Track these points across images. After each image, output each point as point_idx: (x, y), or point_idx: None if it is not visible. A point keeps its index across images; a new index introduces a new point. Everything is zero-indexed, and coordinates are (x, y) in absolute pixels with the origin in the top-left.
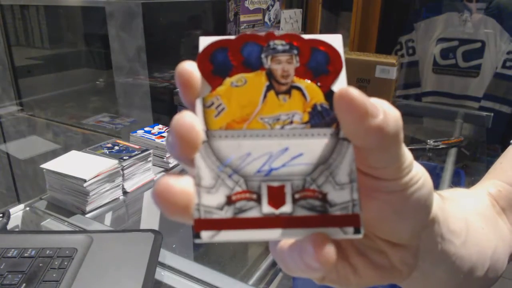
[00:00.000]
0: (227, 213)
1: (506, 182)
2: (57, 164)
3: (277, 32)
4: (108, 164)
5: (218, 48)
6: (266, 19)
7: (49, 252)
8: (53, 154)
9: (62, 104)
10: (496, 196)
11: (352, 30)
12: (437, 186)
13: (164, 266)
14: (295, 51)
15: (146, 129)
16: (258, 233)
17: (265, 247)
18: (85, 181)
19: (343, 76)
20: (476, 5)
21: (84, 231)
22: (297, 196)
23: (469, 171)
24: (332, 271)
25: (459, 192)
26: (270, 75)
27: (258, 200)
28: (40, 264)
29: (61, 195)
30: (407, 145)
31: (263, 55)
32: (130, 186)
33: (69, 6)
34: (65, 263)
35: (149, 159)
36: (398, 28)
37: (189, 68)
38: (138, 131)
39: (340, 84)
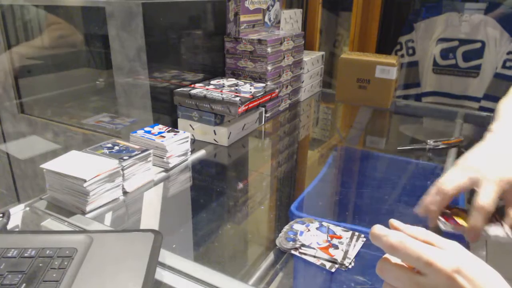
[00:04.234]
0: None
1: None
2: (57, 164)
3: None
4: (108, 164)
5: None
6: (266, 19)
7: (49, 252)
8: (53, 154)
9: (62, 104)
10: None
11: (352, 30)
12: None
13: (164, 266)
14: None
15: (146, 129)
16: None
17: (265, 247)
18: (85, 181)
19: None
20: (476, 5)
21: (84, 231)
22: None
23: None
24: None
25: None
26: None
27: None
28: (40, 264)
29: (61, 195)
30: (407, 145)
31: None
32: (130, 186)
33: (69, 6)
34: (65, 263)
35: (149, 159)
36: (398, 28)
37: None
38: (138, 131)
39: None
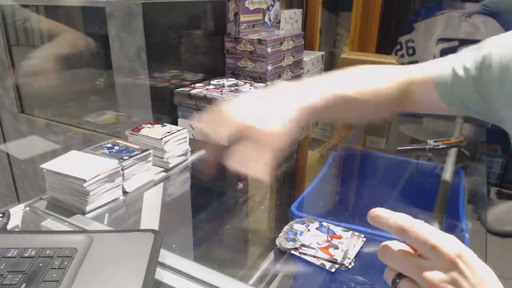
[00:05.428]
0: None
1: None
2: (57, 164)
3: None
4: (108, 164)
5: None
6: (266, 19)
7: (49, 252)
8: (53, 154)
9: (62, 104)
10: None
11: (352, 30)
12: (437, 186)
13: (164, 266)
14: None
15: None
16: None
17: (265, 247)
18: (85, 181)
19: None
20: (476, 5)
21: (84, 231)
22: None
23: (469, 171)
24: None
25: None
26: None
27: None
28: (40, 264)
29: (61, 195)
30: (407, 145)
31: None
32: (130, 186)
33: (69, 6)
34: (65, 263)
35: (149, 159)
36: (398, 28)
37: None
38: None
39: None
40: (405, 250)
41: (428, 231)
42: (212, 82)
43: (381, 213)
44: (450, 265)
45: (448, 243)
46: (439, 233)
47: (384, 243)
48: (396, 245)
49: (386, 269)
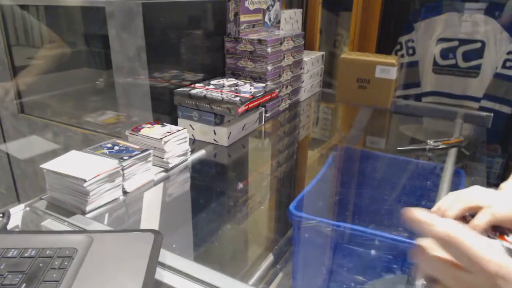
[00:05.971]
0: None
1: None
2: (57, 164)
3: None
4: (108, 164)
5: None
6: (266, 19)
7: (49, 252)
8: (53, 154)
9: (62, 104)
10: None
11: (352, 30)
12: (437, 186)
13: (164, 266)
14: None
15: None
16: None
17: (265, 247)
18: (85, 181)
19: None
20: (476, 5)
21: (84, 231)
22: None
23: (469, 171)
24: None
25: None
26: None
27: None
28: (40, 264)
29: (61, 195)
30: (407, 145)
31: None
32: (130, 186)
33: (69, 6)
34: (65, 263)
35: (149, 159)
36: (398, 28)
37: None
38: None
39: None
40: (442, 257)
41: (473, 242)
42: (212, 82)
43: (422, 218)
44: (492, 283)
45: (492, 258)
46: (483, 245)
47: (420, 243)
48: (431, 248)
49: (419, 270)
